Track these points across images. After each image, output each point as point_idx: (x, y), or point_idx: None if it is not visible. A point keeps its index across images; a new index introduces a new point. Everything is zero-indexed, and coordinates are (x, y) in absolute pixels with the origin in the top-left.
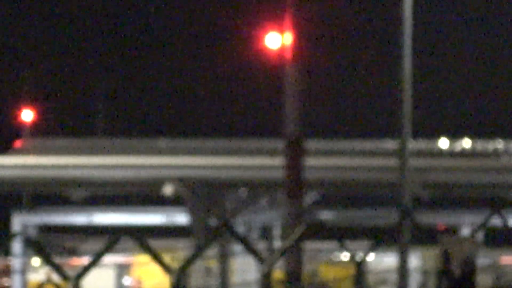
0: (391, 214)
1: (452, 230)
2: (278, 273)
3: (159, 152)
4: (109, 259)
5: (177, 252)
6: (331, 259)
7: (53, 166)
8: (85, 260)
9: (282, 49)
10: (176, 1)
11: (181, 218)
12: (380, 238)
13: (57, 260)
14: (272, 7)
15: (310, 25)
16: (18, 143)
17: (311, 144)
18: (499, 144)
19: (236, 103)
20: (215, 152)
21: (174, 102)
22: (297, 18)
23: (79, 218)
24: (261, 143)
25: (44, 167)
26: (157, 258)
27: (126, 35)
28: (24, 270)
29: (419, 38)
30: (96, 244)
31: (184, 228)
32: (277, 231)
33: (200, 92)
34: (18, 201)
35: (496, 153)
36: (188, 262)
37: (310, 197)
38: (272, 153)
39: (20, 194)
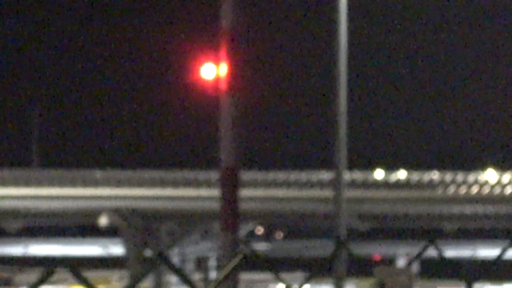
0: (327, 245)
1: (388, 261)
2: None
3: (95, 183)
4: None
5: (112, 283)
6: None
7: None
8: None
9: (218, 79)
10: (111, 30)
11: (116, 249)
12: (315, 269)
13: None
14: (207, 38)
15: (246, 56)
16: None
17: (247, 175)
18: (434, 175)
19: (172, 134)
20: (150, 183)
21: (110, 133)
22: (233, 49)
23: (14, 249)
24: (197, 174)
25: None
26: None
27: (62, 65)
28: None
29: (354, 70)
30: (32, 275)
31: (120, 259)
32: (212, 262)
33: (136, 123)
34: None
35: (431, 184)
36: None
37: (245, 228)
38: (207, 184)
39: None
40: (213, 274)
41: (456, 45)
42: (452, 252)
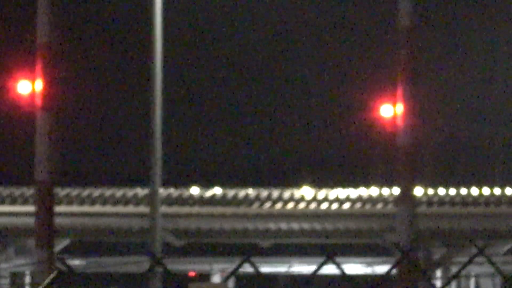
0: (142, 261)
1: (203, 277)
2: None
3: None
4: None
5: None
6: None
7: None
8: None
9: (33, 95)
10: None
11: None
12: (131, 286)
13: None
14: (23, 55)
15: (62, 72)
16: None
17: (62, 191)
18: (250, 191)
19: None
20: None
21: None
22: (49, 65)
23: None
24: (11, 189)
25: None
26: None
27: None
28: None
29: (170, 87)
30: None
31: None
32: (27, 278)
33: None
34: None
35: (247, 200)
36: None
37: (61, 244)
38: (22, 199)
39: None
40: None
41: (275, 62)
42: (267, 268)
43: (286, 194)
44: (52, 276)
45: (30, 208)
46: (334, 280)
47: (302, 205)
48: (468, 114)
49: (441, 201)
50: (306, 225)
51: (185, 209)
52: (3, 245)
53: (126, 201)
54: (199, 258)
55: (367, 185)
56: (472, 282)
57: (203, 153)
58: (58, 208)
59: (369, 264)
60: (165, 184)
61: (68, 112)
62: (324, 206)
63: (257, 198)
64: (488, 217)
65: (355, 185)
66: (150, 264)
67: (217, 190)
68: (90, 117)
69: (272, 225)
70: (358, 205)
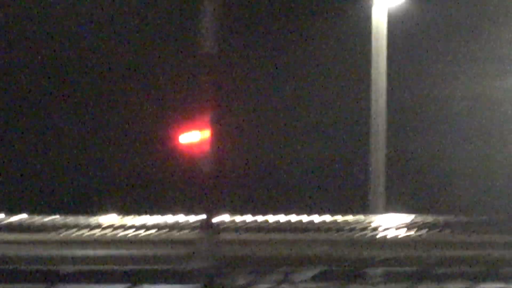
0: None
1: None
2: None
3: None
4: None
5: None
6: None
7: None
8: None
9: None
10: None
11: None
12: None
13: None
14: None
15: None
16: None
17: None
18: (57, 218)
19: None
20: None
21: None
22: None
23: None
24: None
25: None
26: None
27: None
28: None
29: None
30: None
31: None
32: None
33: None
34: None
35: (54, 227)
36: None
37: None
38: None
39: None
40: None
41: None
42: None
43: (93, 220)
44: None
45: None
46: None
47: (109, 231)
48: (274, 141)
49: (246, 228)
50: (113, 251)
51: None
52: None
53: None
54: (1, 285)
55: (174, 211)
56: None
57: (9, 178)
58: None
59: None
60: None
61: None
62: (131, 232)
63: (64, 225)
64: (293, 243)
65: (162, 212)
66: None
67: (23, 216)
68: None
69: (78, 252)
70: (164, 231)
